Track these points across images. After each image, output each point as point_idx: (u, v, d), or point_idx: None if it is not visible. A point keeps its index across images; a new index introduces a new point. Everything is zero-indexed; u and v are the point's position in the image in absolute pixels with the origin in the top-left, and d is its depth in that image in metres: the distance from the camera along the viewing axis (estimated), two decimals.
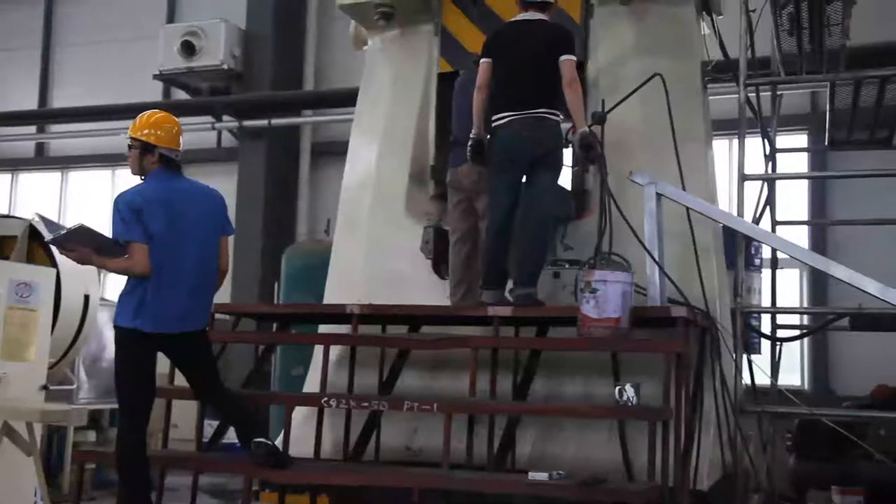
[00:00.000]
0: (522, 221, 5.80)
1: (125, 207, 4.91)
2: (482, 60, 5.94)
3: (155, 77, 13.66)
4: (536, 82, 5.80)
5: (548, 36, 5.85)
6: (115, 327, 4.98)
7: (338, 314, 6.16)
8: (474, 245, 6.20)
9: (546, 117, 5.78)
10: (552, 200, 5.93)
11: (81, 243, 4.93)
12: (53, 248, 6.77)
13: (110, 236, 4.95)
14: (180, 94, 14.35)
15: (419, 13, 7.18)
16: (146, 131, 5.12)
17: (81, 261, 5.04)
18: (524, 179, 5.84)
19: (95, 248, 4.93)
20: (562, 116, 5.91)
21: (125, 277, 5.02)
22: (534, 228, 5.79)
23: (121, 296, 5.00)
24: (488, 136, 5.90)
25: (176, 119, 5.29)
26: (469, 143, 5.90)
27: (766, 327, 7.68)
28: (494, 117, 5.85)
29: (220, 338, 6.26)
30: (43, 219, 5.48)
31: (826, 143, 8.87)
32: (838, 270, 5.70)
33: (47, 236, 4.97)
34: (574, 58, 5.81)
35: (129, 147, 5.17)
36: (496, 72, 5.87)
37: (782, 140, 8.99)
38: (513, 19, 6.07)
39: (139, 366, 4.95)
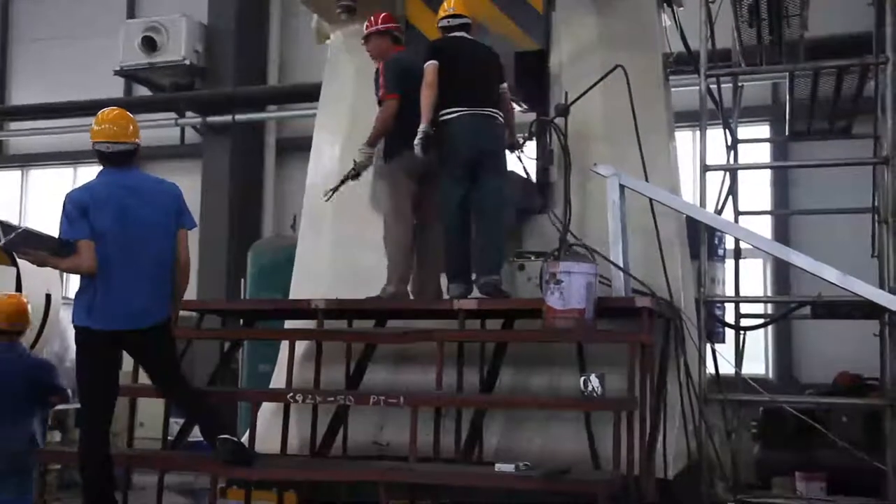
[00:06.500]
0: (480, 211, 5.85)
1: (71, 206, 4.84)
2: (429, 62, 5.94)
3: (116, 73, 13.51)
4: (485, 85, 5.98)
5: (488, 55, 6.15)
6: (74, 326, 4.93)
7: (303, 309, 6.14)
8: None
9: (493, 115, 5.93)
10: (506, 188, 5.99)
11: (32, 246, 4.85)
12: None
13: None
14: (142, 91, 14.20)
15: (381, 6, 7.13)
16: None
17: (38, 263, 4.96)
18: (476, 171, 5.87)
19: (47, 249, 4.86)
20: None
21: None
22: (491, 217, 5.84)
23: (76, 294, 4.94)
24: (434, 129, 5.92)
25: (123, 114, 5.13)
26: (417, 137, 5.90)
27: (730, 317, 7.75)
28: (443, 111, 5.88)
29: (185, 334, 6.20)
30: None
31: (787, 134, 8.96)
32: (798, 259, 5.76)
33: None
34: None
35: None
36: (444, 74, 5.92)
37: (744, 131, 9.05)
38: (450, 35, 6.15)
39: (98, 364, 4.89)
